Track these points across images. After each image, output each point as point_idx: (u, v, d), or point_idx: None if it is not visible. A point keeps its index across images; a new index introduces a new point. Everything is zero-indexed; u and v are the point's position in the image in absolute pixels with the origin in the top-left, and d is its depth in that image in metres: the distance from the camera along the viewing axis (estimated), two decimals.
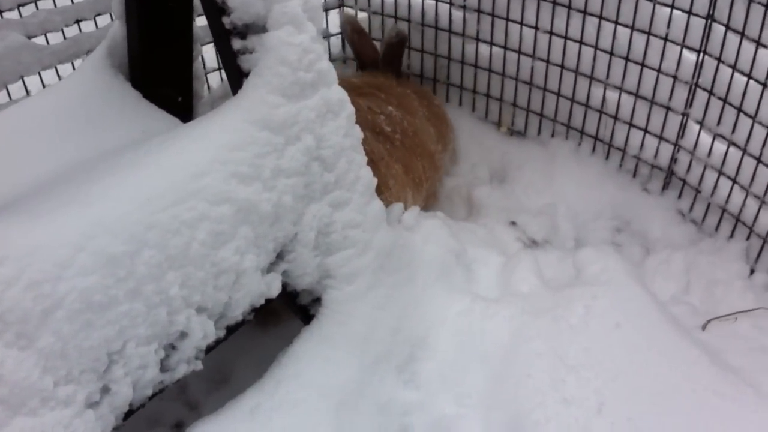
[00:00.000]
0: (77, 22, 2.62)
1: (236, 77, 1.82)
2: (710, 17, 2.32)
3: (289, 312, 2.08)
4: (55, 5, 2.61)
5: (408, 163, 2.47)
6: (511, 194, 2.83)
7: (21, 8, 2.53)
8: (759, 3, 2.15)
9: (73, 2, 2.61)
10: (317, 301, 1.99)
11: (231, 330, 1.83)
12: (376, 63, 2.88)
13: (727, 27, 2.27)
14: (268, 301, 1.88)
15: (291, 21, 1.78)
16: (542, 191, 2.82)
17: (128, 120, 1.97)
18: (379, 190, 2.08)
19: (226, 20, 1.76)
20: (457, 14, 2.92)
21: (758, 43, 2.19)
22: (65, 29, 2.61)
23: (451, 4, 2.90)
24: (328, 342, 1.93)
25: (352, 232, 1.95)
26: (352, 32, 2.92)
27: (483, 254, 2.32)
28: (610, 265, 2.11)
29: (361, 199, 1.97)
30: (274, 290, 1.86)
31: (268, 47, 1.76)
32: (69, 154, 1.81)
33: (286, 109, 1.78)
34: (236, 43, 1.78)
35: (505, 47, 2.85)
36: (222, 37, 1.79)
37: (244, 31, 1.77)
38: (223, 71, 2.88)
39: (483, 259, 2.30)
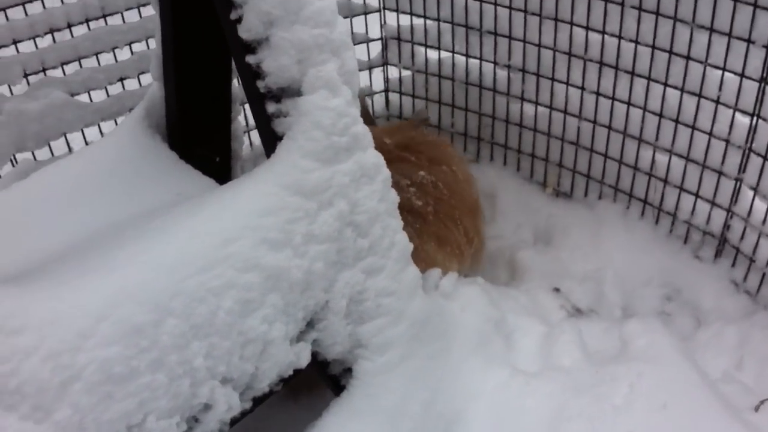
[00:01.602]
0: (121, 80, 2.64)
1: (270, 140, 1.79)
2: (764, 80, 2.23)
3: (320, 381, 2.02)
4: (98, 63, 2.63)
5: (443, 235, 2.39)
6: (556, 258, 2.74)
7: (65, 66, 2.55)
8: None
9: (116, 60, 2.63)
10: (348, 371, 1.92)
11: (257, 401, 1.77)
12: None
13: None
14: (297, 372, 1.82)
15: (326, 85, 1.75)
16: (588, 256, 2.73)
17: (163, 182, 1.94)
18: None
19: (260, 84, 1.73)
20: (502, 73, 2.88)
21: None
22: (109, 87, 2.63)
23: (495, 63, 2.85)
24: (359, 416, 1.86)
25: (385, 300, 1.89)
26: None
27: (524, 323, 2.23)
28: (657, 339, 2.01)
29: (395, 266, 1.91)
30: (304, 360, 1.80)
31: (303, 111, 1.73)
32: (100, 217, 1.78)
33: (320, 173, 1.74)
34: (270, 107, 1.75)
35: (550, 107, 2.79)
36: (256, 100, 1.76)
37: (279, 94, 1.74)
38: None
39: (524, 329, 2.21)
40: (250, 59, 1.71)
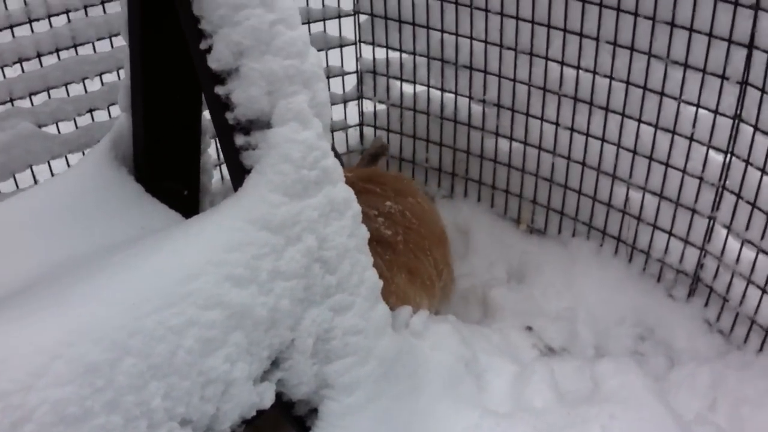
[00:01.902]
0: (90, 111, 2.60)
1: (238, 174, 1.75)
2: (737, 117, 2.23)
3: (285, 423, 1.96)
4: (68, 94, 2.58)
5: (413, 267, 2.35)
6: (529, 296, 2.71)
7: (33, 96, 2.51)
8: None
9: (86, 91, 2.59)
10: (314, 412, 1.87)
11: None
12: None
13: (756, 128, 2.18)
14: (261, 413, 1.77)
15: (296, 117, 1.72)
16: (561, 294, 2.70)
17: (127, 216, 1.90)
18: None
19: (229, 115, 1.69)
20: (477, 108, 2.86)
21: None
22: (77, 118, 2.58)
23: (470, 98, 2.84)
24: None
25: (353, 338, 1.84)
26: (372, 156, 2.74)
27: (496, 363, 2.19)
28: (630, 380, 1.98)
29: (364, 303, 1.87)
30: (267, 401, 1.74)
31: (272, 144, 1.69)
32: (59, 251, 1.73)
33: (288, 208, 1.70)
34: (239, 139, 1.71)
35: (525, 143, 2.77)
36: (225, 132, 1.72)
37: (248, 126, 1.71)
38: None
39: (495, 369, 2.17)
40: (219, 90, 1.68)
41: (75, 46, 2.56)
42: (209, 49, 1.65)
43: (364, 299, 1.87)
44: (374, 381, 1.88)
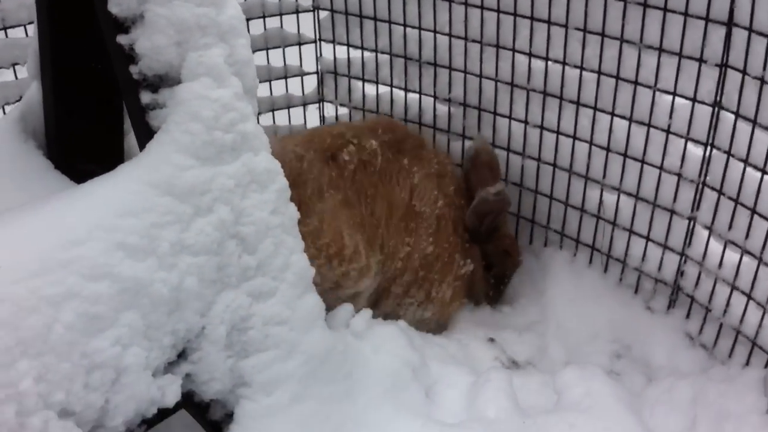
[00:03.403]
0: None
1: (145, 137, 1.54)
2: (717, 104, 2.03)
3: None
4: None
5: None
6: (495, 308, 2.48)
7: None
8: None
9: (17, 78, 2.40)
10: (232, 416, 1.63)
11: None
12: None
13: (737, 114, 1.97)
14: (164, 414, 1.53)
15: (209, 72, 1.52)
16: (530, 307, 2.47)
17: (27, 190, 1.69)
18: None
19: (134, 69, 1.50)
20: (442, 108, 2.67)
21: None
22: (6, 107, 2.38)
23: (435, 97, 2.65)
24: None
25: (275, 329, 1.62)
26: (485, 166, 2.48)
27: (450, 372, 1.96)
28: (596, 388, 1.74)
29: (290, 291, 1.64)
30: (171, 397, 1.51)
31: (180, 100, 1.50)
32: None
33: (197, 173, 1.50)
34: (145, 97, 1.51)
35: (492, 144, 2.57)
36: (129, 89, 1.52)
37: (156, 83, 1.51)
38: None
39: (448, 379, 1.94)
40: (122, 39, 1.48)
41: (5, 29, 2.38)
42: None
43: (290, 286, 1.65)
44: (299, 380, 1.65)
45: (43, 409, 1.32)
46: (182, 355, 1.54)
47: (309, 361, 1.66)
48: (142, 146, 1.57)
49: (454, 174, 2.51)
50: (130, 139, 1.96)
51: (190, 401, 1.60)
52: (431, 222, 2.33)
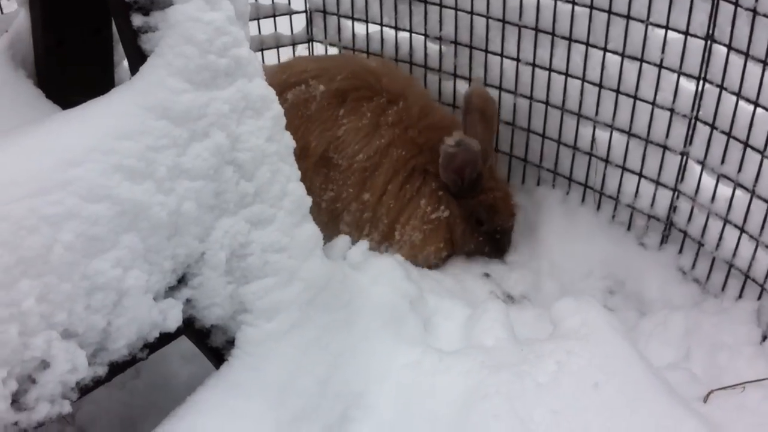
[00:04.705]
0: None
1: (137, 62, 1.52)
2: (710, 37, 2.02)
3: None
4: None
5: None
6: None
7: None
8: (765, 16, 1.86)
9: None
10: (233, 342, 1.63)
11: (116, 368, 1.47)
12: None
13: (729, 47, 1.97)
14: (166, 339, 1.53)
15: None
16: (524, 245, 2.48)
17: (16, 116, 1.66)
18: None
19: None
20: (433, 47, 2.65)
21: (765, 64, 1.89)
22: None
23: (426, 35, 2.63)
24: (238, 391, 1.56)
25: (274, 256, 1.61)
26: (476, 111, 2.38)
27: (446, 305, 1.97)
28: (591, 317, 1.75)
29: (288, 219, 1.64)
30: (172, 321, 1.50)
31: (172, 23, 1.47)
32: None
33: (192, 96, 1.48)
34: (137, 20, 1.48)
35: (485, 84, 2.55)
36: (120, 11, 1.49)
37: (147, 5, 1.48)
38: None
39: (446, 311, 1.95)
40: None
41: None
42: None
43: (288, 214, 1.64)
44: (299, 307, 1.65)
45: (45, 329, 1.32)
46: (183, 280, 1.54)
47: (308, 288, 1.66)
48: (134, 72, 1.55)
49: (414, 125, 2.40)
50: (120, 71, 1.95)
51: (191, 328, 1.60)
52: (352, 173, 2.34)
